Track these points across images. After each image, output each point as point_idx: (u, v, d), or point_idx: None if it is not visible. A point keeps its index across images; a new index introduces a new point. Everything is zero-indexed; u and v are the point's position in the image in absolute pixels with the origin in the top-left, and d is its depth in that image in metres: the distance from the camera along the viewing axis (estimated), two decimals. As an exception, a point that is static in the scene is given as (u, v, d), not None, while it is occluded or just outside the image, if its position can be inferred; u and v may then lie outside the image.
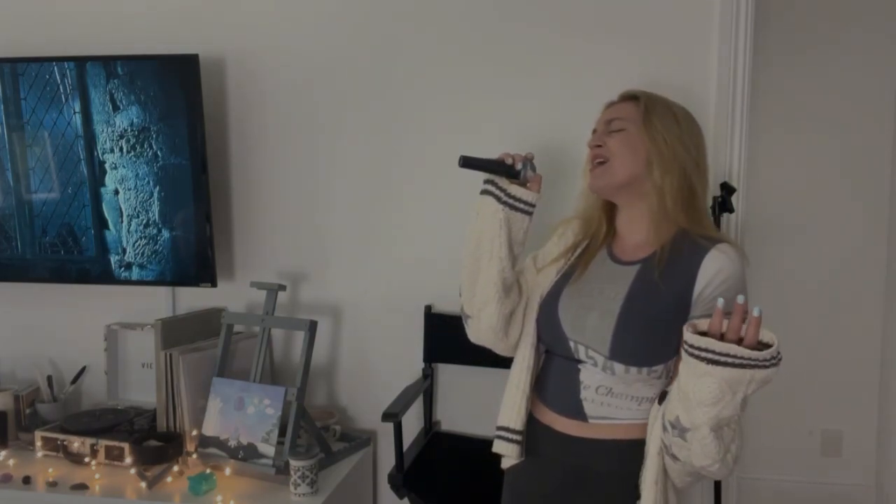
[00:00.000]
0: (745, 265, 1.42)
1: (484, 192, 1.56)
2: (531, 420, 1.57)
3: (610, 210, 1.60)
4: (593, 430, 1.46)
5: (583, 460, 1.47)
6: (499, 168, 1.53)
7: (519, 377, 1.57)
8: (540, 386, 1.58)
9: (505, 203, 1.53)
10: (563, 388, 1.50)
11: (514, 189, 1.54)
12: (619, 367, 1.41)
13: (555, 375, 1.54)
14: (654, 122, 1.48)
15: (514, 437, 1.55)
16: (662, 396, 1.39)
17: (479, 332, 1.61)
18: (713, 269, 1.39)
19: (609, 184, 1.50)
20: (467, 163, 1.50)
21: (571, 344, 1.48)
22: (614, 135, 1.50)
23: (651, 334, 1.39)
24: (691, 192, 1.49)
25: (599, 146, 1.52)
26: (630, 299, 1.43)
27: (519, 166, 1.53)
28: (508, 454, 1.56)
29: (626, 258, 1.52)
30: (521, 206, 1.55)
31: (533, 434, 1.56)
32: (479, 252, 1.56)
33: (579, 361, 1.47)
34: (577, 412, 1.47)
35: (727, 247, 1.42)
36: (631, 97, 1.55)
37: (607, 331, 1.41)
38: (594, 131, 1.58)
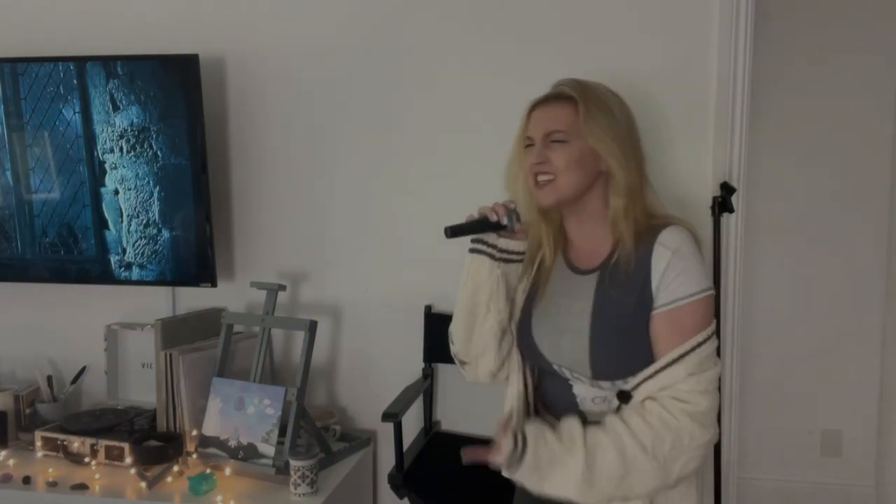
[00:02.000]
0: (691, 239, 1.41)
1: (474, 251, 1.52)
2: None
3: (557, 217, 1.55)
4: None
5: None
6: (486, 226, 1.49)
7: (514, 403, 1.58)
8: (541, 394, 1.59)
9: (500, 259, 1.50)
10: (561, 402, 1.51)
11: (504, 242, 1.50)
12: (605, 384, 1.43)
13: (551, 389, 1.55)
14: (597, 131, 1.42)
15: None
16: (622, 396, 1.41)
17: (477, 376, 1.61)
18: (663, 262, 1.38)
19: (559, 200, 1.46)
20: (455, 232, 1.46)
21: (556, 367, 1.49)
22: (556, 148, 1.43)
23: (626, 345, 1.40)
24: (641, 182, 1.47)
25: (541, 163, 1.44)
26: (596, 314, 1.43)
27: (505, 220, 1.48)
28: None
29: (584, 266, 1.50)
30: (515, 257, 1.52)
31: None
32: (475, 308, 1.53)
33: (569, 378, 1.49)
34: (582, 421, 1.49)
35: (668, 234, 1.40)
36: (565, 97, 1.47)
37: (583, 353, 1.42)
38: (528, 139, 1.49)
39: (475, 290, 1.52)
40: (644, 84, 2.06)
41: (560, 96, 1.48)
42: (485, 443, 1.63)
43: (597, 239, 1.49)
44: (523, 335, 1.55)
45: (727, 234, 2.06)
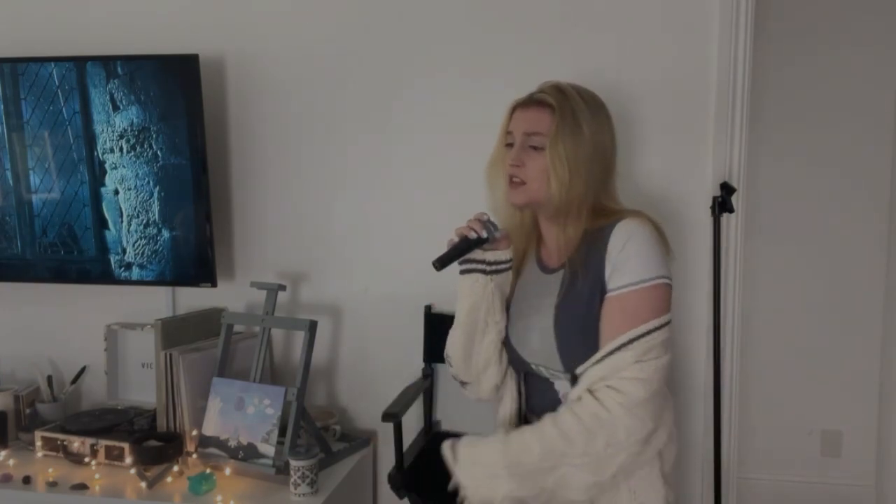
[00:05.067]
0: (648, 229, 1.42)
1: (466, 271, 1.57)
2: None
3: (530, 216, 1.60)
4: None
5: None
6: (469, 246, 1.53)
7: (508, 411, 1.61)
8: (526, 399, 1.61)
9: (491, 272, 1.55)
10: (546, 402, 1.53)
11: (492, 255, 1.55)
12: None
13: (535, 392, 1.57)
14: (557, 150, 1.44)
15: None
16: (573, 379, 1.44)
17: (479, 393, 1.64)
18: (615, 250, 1.40)
19: (528, 202, 1.50)
20: (443, 263, 1.51)
21: (533, 366, 1.52)
22: (532, 154, 1.47)
23: (590, 335, 1.41)
24: (600, 189, 1.49)
25: (517, 165, 1.48)
26: (559, 308, 1.46)
27: (484, 234, 1.53)
28: None
29: (553, 264, 1.54)
30: (504, 266, 1.56)
31: None
32: (474, 326, 1.57)
33: (549, 377, 1.50)
34: None
35: (623, 224, 1.42)
36: (546, 104, 1.49)
37: (551, 348, 1.44)
38: (509, 134, 1.52)
39: (473, 308, 1.56)
40: (644, 84, 2.07)
41: (541, 102, 1.50)
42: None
43: (562, 239, 1.51)
44: (504, 339, 1.58)
45: (727, 234, 2.06)
